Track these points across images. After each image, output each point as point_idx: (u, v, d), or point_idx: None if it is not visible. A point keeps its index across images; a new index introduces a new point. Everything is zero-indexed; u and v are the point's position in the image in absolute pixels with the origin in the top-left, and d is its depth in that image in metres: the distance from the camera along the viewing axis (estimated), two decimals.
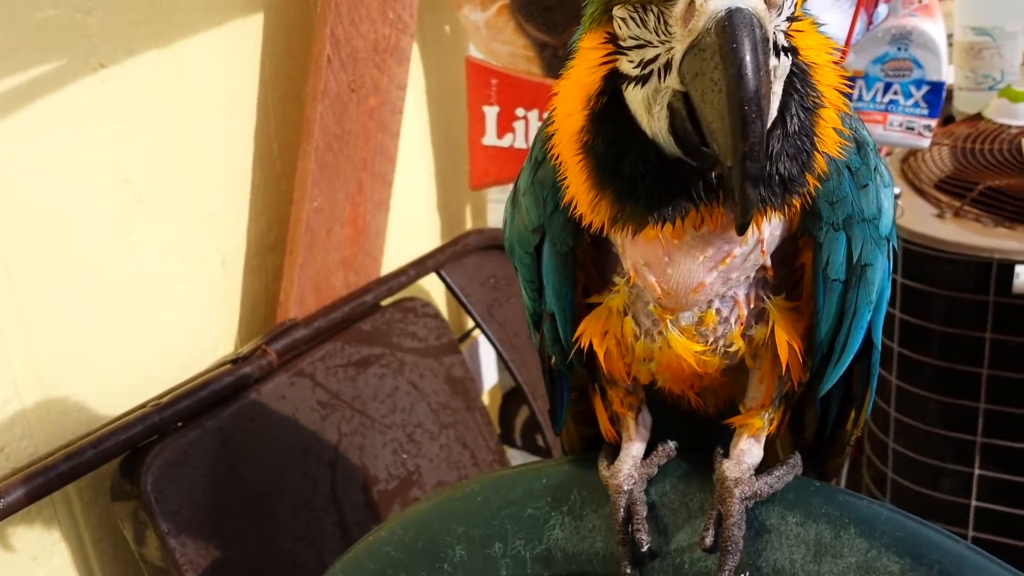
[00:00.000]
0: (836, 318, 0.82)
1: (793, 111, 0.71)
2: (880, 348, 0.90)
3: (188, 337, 1.58)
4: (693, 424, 0.95)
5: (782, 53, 0.69)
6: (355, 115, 1.64)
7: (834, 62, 0.74)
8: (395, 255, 1.89)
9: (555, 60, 1.84)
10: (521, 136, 1.91)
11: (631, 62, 0.71)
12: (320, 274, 1.66)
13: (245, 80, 1.63)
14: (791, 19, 0.71)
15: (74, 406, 1.42)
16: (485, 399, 2.26)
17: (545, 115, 0.86)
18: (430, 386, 1.74)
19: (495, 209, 2.05)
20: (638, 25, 0.70)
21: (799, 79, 0.71)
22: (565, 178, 0.77)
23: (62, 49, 1.34)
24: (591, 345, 0.86)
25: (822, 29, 0.75)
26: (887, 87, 1.76)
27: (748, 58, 0.63)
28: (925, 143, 1.79)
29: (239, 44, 1.61)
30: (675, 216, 0.72)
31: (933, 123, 1.77)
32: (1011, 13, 2.26)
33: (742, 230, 0.69)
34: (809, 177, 0.73)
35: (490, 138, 1.94)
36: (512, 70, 1.87)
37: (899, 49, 1.73)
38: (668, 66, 0.69)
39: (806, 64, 0.72)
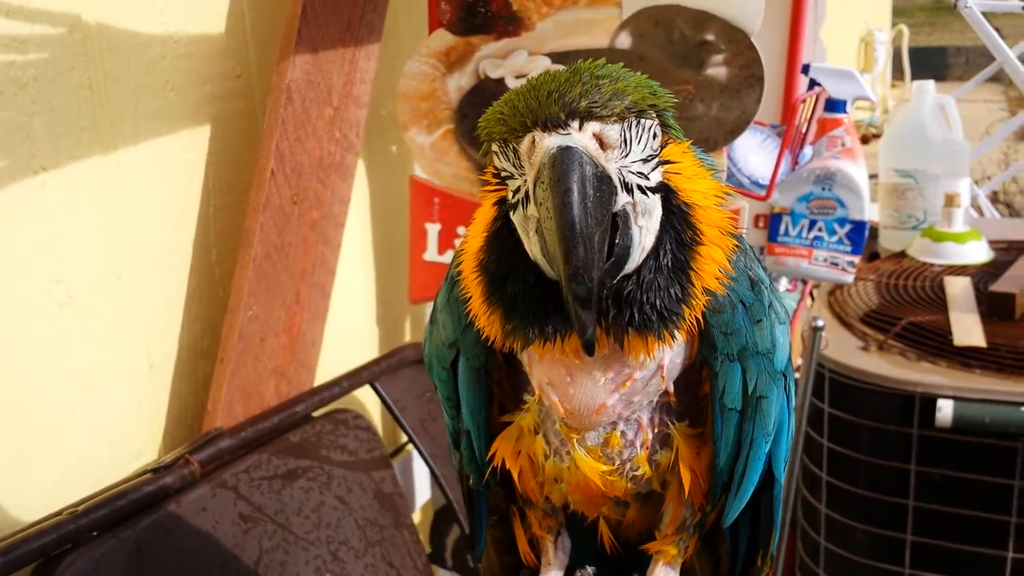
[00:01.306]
0: (734, 447, 0.85)
1: (667, 246, 0.76)
2: (782, 482, 0.92)
3: (111, 442, 1.55)
4: (613, 549, 0.96)
5: (641, 191, 0.75)
6: (296, 227, 1.66)
7: (721, 204, 0.79)
8: (331, 366, 1.88)
9: None
10: None
11: (511, 191, 0.77)
12: (251, 383, 1.65)
13: (188, 188, 1.65)
14: (663, 162, 0.77)
15: None
16: (417, 516, 2.22)
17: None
18: (358, 501, 1.71)
19: None
20: (505, 159, 0.77)
21: (677, 217, 0.77)
22: (470, 295, 0.81)
23: (3, 150, 1.35)
24: (505, 465, 0.87)
25: (717, 175, 0.81)
26: (812, 224, 1.83)
27: (574, 189, 0.70)
28: (849, 278, 1.86)
29: (184, 153, 1.63)
30: (555, 334, 0.76)
31: (856, 259, 1.85)
32: (933, 157, 2.40)
33: (588, 349, 0.73)
34: (687, 309, 0.76)
35: (431, 254, 1.97)
36: (455, 190, 1.92)
37: (823, 189, 1.82)
38: (527, 196, 0.75)
39: (686, 204, 0.77)
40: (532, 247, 0.76)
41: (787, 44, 1.90)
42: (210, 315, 1.71)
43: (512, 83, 1.83)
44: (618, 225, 0.73)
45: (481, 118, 0.80)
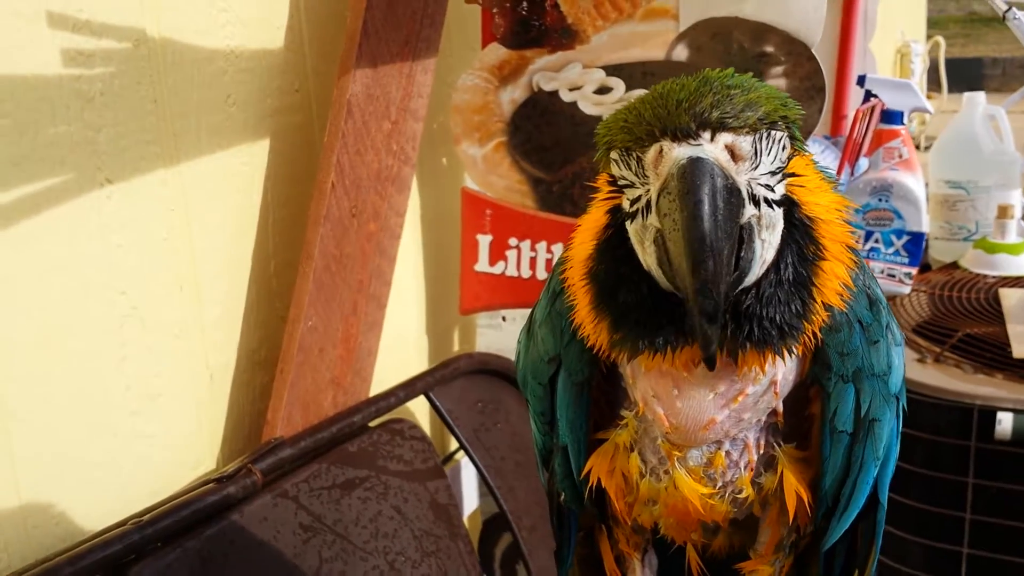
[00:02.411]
0: (842, 471, 0.83)
1: (789, 260, 0.74)
2: (886, 506, 0.90)
3: (171, 452, 1.56)
4: (700, 568, 0.95)
5: (767, 204, 0.73)
6: (355, 239, 1.67)
7: (843, 218, 0.78)
8: (383, 376, 1.89)
9: (549, 195, 1.90)
10: (513, 264, 1.95)
11: (628, 199, 0.76)
12: (309, 393, 1.65)
13: (248, 200, 1.66)
14: (787, 175, 0.75)
15: (51, 519, 1.39)
16: (465, 522, 2.22)
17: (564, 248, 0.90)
18: (414, 512, 1.71)
19: (484, 333, 2.07)
20: (626, 167, 0.75)
21: (799, 231, 0.75)
22: (576, 303, 0.80)
23: (71, 163, 1.37)
24: (600, 483, 0.85)
25: (838, 188, 0.80)
26: (868, 235, 1.82)
27: (705, 201, 0.69)
28: (906, 290, 1.85)
29: (244, 167, 1.65)
30: (665, 347, 0.75)
31: (913, 271, 1.83)
32: (985, 168, 2.37)
33: (709, 364, 0.71)
34: (807, 324, 0.75)
35: (482, 265, 1.98)
36: (507, 202, 1.92)
37: (880, 200, 1.81)
38: (648, 206, 0.74)
39: (809, 218, 0.75)
40: (647, 257, 0.75)
41: (836, 56, 1.89)
42: (268, 325, 1.72)
43: (567, 96, 1.83)
44: (743, 238, 0.71)
45: (600, 125, 0.79)
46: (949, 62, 4.72)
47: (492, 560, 2.16)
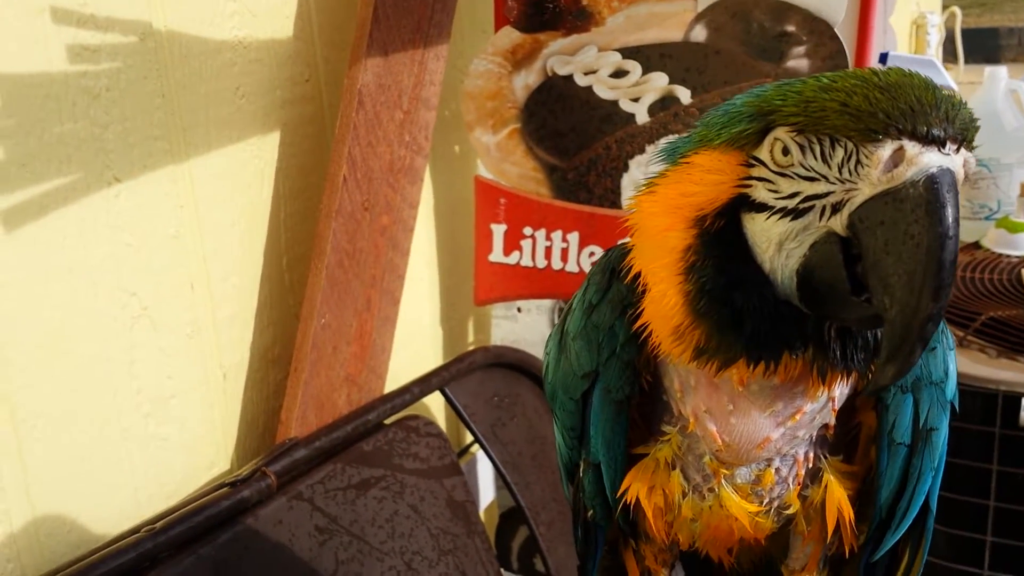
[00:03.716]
0: (899, 483, 0.79)
1: None
2: (935, 511, 0.87)
3: (184, 454, 1.53)
4: None
5: None
6: (367, 233, 1.63)
7: None
8: (397, 371, 1.85)
9: (564, 183, 1.86)
10: (528, 254, 1.91)
11: (774, 191, 0.68)
12: (323, 391, 1.62)
13: (259, 195, 1.63)
14: None
15: (64, 526, 1.36)
16: (481, 517, 2.20)
17: (624, 239, 0.80)
18: (431, 510, 1.69)
19: (499, 324, 2.03)
20: (816, 157, 0.66)
21: None
22: (640, 295, 0.73)
23: (78, 162, 1.33)
24: (636, 500, 0.82)
25: None
26: None
27: (953, 219, 0.61)
28: None
29: (254, 160, 1.61)
30: (771, 359, 0.68)
31: None
32: (1008, 145, 2.32)
33: (877, 392, 0.67)
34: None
35: (497, 255, 1.94)
36: (521, 190, 1.88)
37: None
38: (838, 206, 0.65)
39: None
40: (780, 259, 0.67)
41: (856, 33, 1.84)
42: (281, 322, 1.69)
43: (582, 80, 1.78)
44: None
45: (786, 100, 0.67)
46: (965, 32, 4.63)
47: (509, 554, 2.14)
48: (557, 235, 1.89)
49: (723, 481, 0.78)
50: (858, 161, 0.64)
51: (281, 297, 1.69)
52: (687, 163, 0.72)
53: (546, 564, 1.88)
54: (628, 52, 1.75)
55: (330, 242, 1.56)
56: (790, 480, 0.79)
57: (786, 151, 0.67)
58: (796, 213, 0.66)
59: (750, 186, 0.69)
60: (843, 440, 0.81)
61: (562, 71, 1.80)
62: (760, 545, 0.87)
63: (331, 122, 1.71)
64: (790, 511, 0.80)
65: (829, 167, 0.65)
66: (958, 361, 1.70)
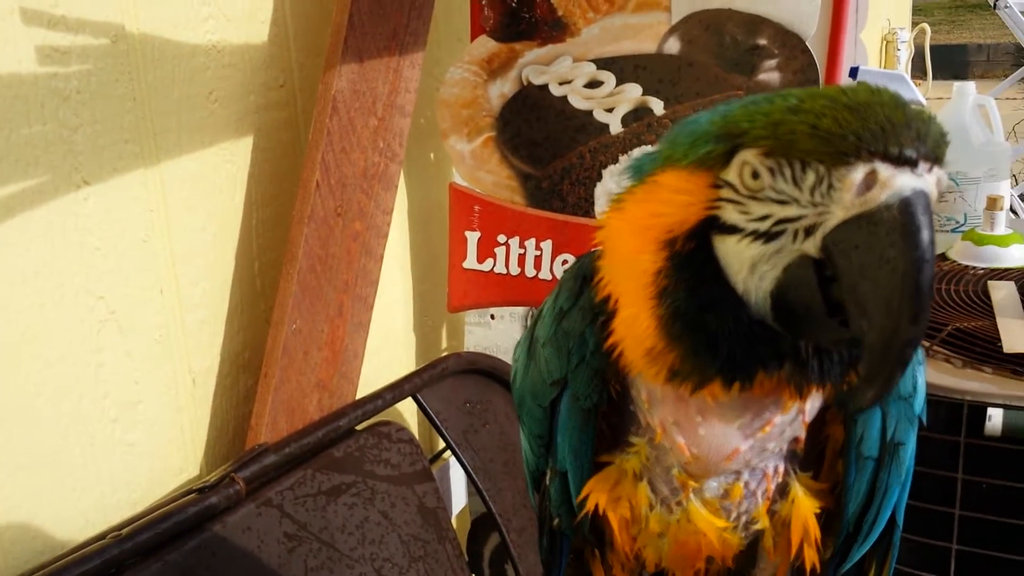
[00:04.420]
0: (866, 497, 0.79)
1: None
2: (901, 526, 0.87)
3: (152, 460, 1.52)
4: None
5: None
6: (340, 239, 1.63)
7: None
8: (369, 376, 1.85)
9: (538, 191, 1.87)
10: (502, 261, 1.92)
11: (745, 213, 0.66)
12: (294, 397, 1.62)
13: (231, 200, 1.62)
14: None
15: (28, 533, 1.34)
16: (453, 523, 2.20)
17: (590, 251, 0.80)
18: (401, 516, 1.68)
19: (473, 331, 2.04)
20: (786, 180, 0.65)
21: None
22: (609, 317, 0.72)
23: (46, 164, 1.32)
24: (597, 509, 0.82)
25: None
26: None
27: (929, 242, 0.61)
28: None
29: (227, 165, 1.60)
30: (746, 379, 0.68)
31: None
32: (975, 160, 2.36)
33: (862, 411, 0.67)
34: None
35: (470, 262, 1.94)
36: (495, 198, 1.89)
37: None
38: (811, 229, 0.64)
39: None
40: (753, 282, 0.66)
41: (827, 47, 1.87)
42: (252, 327, 1.68)
43: (556, 90, 1.79)
44: None
45: (753, 122, 0.66)
46: (934, 48, 4.70)
47: (480, 560, 2.14)
48: (531, 243, 1.89)
49: (691, 495, 0.78)
50: (830, 185, 0.63)
51: (252, 302, 1.68)
52: (654, 182, 0.71)
53: (517, 571, 1.88)
54: (603, 63, 1.76)
55: (302, 247, 1.56)
56: (759, 494, 0.78)
57: (756, 175, 0.66)
58: (768, 236, 0.66)
59: (719, 207, 0.68)
60: (813, 455, 0.81)
61: (537, 81, 1.81)
62: (727, 567, 0.87)
63: (305, 128, 1.70)
64: (758, 526, 0.80)
65: (800, 191, 0.64)
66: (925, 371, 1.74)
